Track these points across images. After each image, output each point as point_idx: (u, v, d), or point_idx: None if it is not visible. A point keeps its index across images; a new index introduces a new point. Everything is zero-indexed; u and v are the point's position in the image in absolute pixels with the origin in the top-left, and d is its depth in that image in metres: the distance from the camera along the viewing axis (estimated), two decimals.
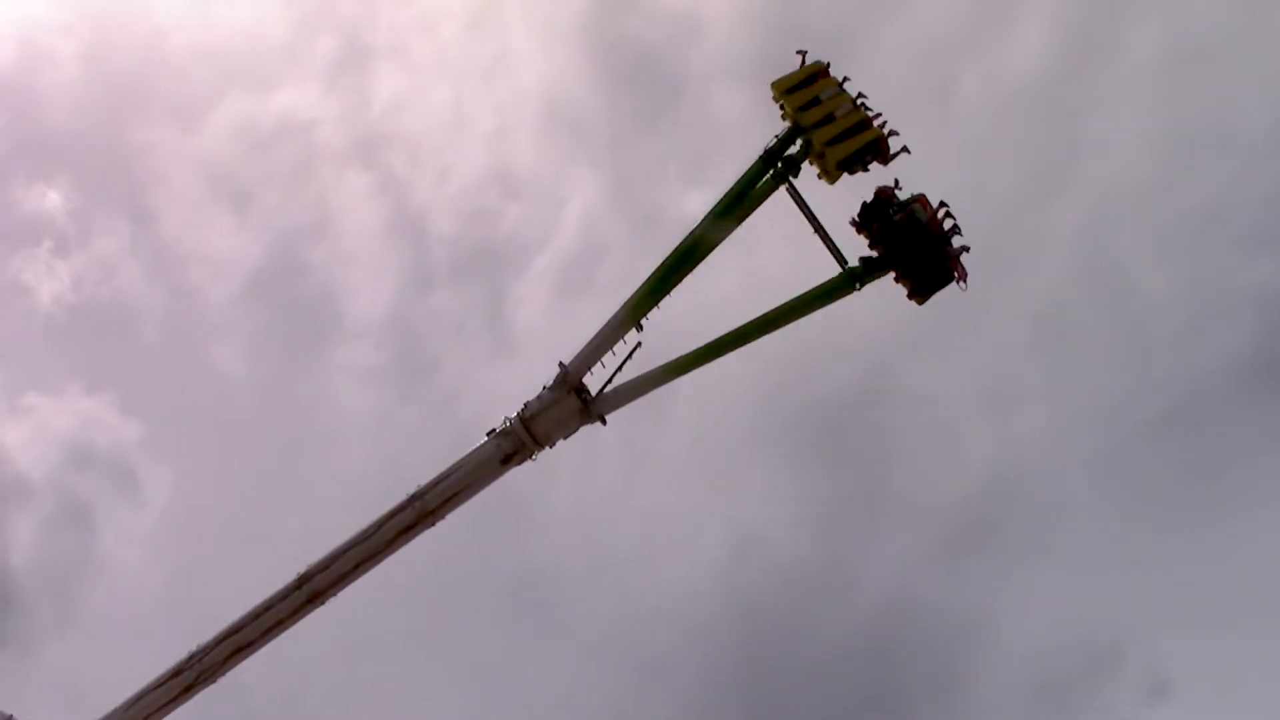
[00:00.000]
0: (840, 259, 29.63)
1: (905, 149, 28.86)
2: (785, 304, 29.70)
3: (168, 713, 31.75)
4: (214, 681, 31.60)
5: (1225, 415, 70.17)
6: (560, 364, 30.13)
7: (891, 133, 28.70)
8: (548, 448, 30.27)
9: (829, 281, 29.60)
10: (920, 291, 29.27)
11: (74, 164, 77.47)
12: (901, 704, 65.52)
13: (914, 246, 28.86)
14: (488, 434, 30.36)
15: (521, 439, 29.87)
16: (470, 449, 30.36)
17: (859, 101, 28.79)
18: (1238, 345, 69.15)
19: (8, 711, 32.21)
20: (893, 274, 29.26)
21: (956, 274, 29.01)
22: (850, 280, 29.40)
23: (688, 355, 29.74)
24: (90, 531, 69.42)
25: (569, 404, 29.94)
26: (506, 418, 30.22)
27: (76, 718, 32.97)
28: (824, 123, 28.55)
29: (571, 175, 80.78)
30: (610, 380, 30.08)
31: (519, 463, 30.20)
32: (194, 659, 31.32)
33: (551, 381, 30.23)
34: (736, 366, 30.73)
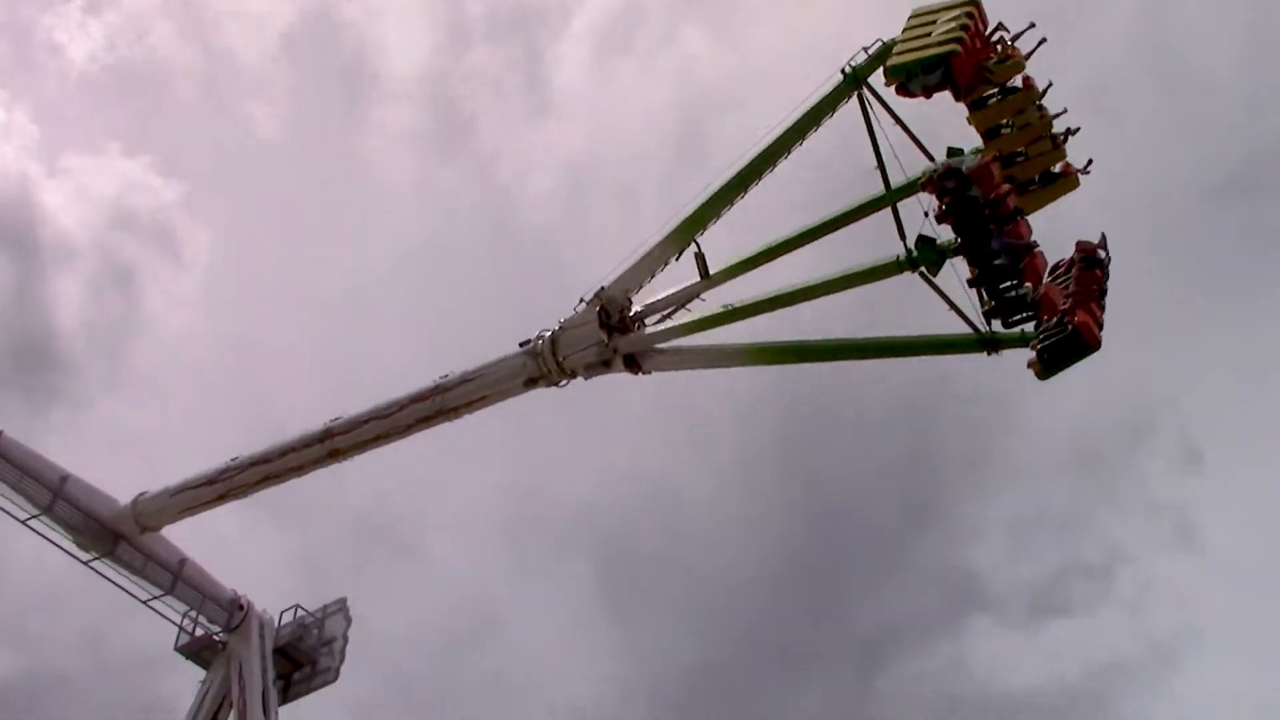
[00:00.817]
0: (903, 235, 25.35)
1: (990, 71, 23.97)
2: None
3: (202, 511, 32.98)
4: (245, 498, 32.41)
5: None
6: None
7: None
8: (578, 378, 27.85)
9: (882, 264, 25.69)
10: (1046, 365, 22.66)
11: None
12: (938, 472, 65.04)
13: (961, 210, 23.45)
14: (520, 344, 28.09)
15: (547, 364, 27.48)
16: (498, 358, 28.30)
17: (996, 37, 24.46)
18: None
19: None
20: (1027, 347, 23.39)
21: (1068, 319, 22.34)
22: (908, 265, 25.05)
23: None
24: (134, 292, 71.23)
25: (591, 329, 27.14)
26: (541, 332, 27.79)
27: (128, 476, 34.25)
28: (914, 37, 24.30)
29: None
30: (660, 321, 27.17)
31: (544, 386, 28.01)
32: (227, 474, 31.86)
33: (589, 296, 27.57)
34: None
